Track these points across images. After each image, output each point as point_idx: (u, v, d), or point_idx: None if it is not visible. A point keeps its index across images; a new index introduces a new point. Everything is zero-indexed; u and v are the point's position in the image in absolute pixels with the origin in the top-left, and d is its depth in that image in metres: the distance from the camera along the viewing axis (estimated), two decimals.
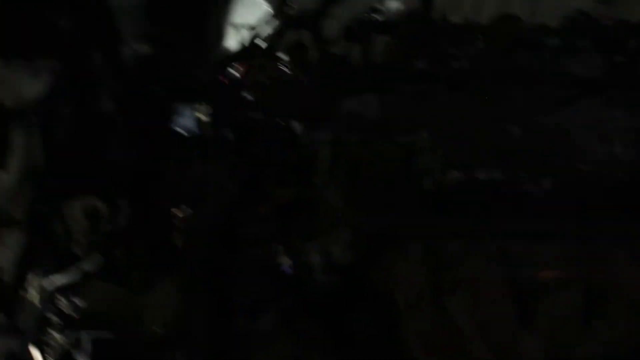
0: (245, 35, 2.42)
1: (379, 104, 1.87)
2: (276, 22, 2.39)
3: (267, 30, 2.38)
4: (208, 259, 1.91)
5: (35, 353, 1.97)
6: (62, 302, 2.21)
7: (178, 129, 2.43)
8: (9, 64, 2.05)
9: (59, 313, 2.24)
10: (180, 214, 2.13)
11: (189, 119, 2.47)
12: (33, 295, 2.00)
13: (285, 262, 1.77)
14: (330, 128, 1.86)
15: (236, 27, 2.67)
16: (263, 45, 2.30)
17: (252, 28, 2.37)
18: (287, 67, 2.27)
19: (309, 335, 1.82)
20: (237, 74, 2.34)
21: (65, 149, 2.15)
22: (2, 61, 2.03)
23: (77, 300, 2.22)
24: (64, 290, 2.16)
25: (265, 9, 2.44)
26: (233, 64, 2.32)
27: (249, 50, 2.30)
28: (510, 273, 1.84)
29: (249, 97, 2.21)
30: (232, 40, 2.68)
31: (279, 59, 2.27)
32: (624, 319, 1.83)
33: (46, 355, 2.00)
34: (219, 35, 2.60)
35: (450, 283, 1.83)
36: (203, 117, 2.44)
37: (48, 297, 2.20)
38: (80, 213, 2.08)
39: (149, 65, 2.32)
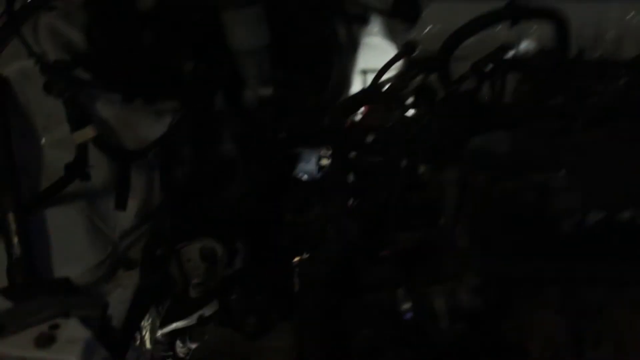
0: (370, 79, 2.37)
1: (511, 142, 1.75)
2: (402, 65, 2.33)
3: (392, 73, 2.32)
4: (325, 304, 1.82)
5: None
6: (176, 346, 2.17)
7: (299, 173, 2.40)
8: (132, 106, 2.07)
9: (173, 357, 2.21)
10: (298, 258, 2.07)
11: (310, 163, 2.44)
12: (146, 338, 1.97)
13: (407, 307, 1.65)
14: (458, 167, 1.75)
15: (362, 71, 2.65)
16: (387, 88, 2.24)
17: (378, 71, 2.32)
18: (411, 109, 2.20)
19: None
20: (360, 117, 2.29)
21: (184, 191, 2.14)
22: (126, 104, 2.05)
23: (191, 344, 2.18)
24: (178, 334, 2.13)
25: (391, 52, 2.38)
26: (357, 107, 2.27)
27: (373, 94, 2.24)
28: None
29: (372, 139, 2.14)
30: (357, 85, 2.65)
31: (404, 101, 2.20)
32: None
33: None
34: (344, 79, 2.57)
35: (592, 335, 1.65)
36: (324, 161, 2.40)
37: (161, 341, 2.17)
38: (197, 255, 2.04)
39: (271, 108, 2.30)
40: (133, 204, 2.05)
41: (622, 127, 1.79)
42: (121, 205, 2.01)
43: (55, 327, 1.42)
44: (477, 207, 1.70)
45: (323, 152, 2.42)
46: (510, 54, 2.08)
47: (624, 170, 1.70)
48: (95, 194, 2.00)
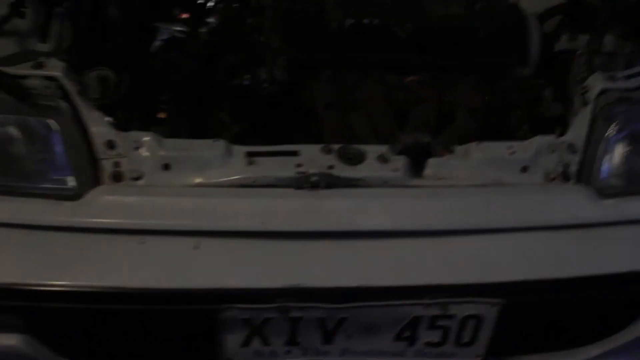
0: None
1: None
2: None
3: None
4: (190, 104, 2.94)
5: None
6: None
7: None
8: None
9: None
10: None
11: None
12: None
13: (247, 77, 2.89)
14: None
15: None
16: None
17: None
18: None
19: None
20: None
21: (87, 33, 2.95)
22: None
23: None
24: None
25: None
26: None
27: None
28: (389, 94, 2.96)
29: None
30: None
31: None
32: (464, 123, 2.92)
33: None
34: None
35: (352, 102, 2.94)
36: None
37: None
38: (96, 80, 2.90)
39: None
40: (51, 42, 2.77)
41: None
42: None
43: None
44: (283, 21, 2.94)
45: None
46: None
47: None
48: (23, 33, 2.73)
